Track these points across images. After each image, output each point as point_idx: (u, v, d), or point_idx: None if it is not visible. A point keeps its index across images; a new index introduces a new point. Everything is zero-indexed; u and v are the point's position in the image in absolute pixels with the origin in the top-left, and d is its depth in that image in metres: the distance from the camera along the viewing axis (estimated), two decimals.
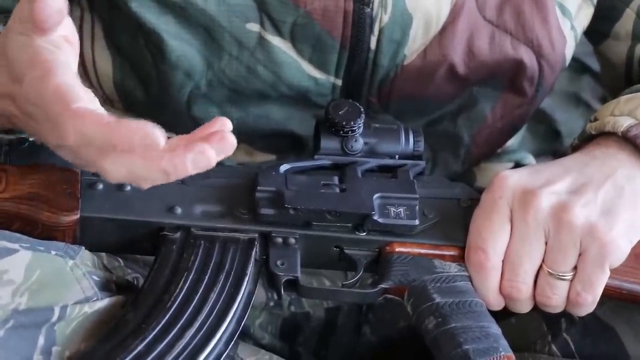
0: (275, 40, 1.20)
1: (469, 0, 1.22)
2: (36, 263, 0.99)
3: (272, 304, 1.09)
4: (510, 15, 1.24)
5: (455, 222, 1.11)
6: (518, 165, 1.15)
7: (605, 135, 1.14)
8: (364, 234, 1.09)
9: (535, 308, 1.10)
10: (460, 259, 1.10)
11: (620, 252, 1.07)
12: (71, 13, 1.13)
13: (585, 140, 1.17)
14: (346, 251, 1.09)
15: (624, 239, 1.07)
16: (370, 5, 1.19)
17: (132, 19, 1.19)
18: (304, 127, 1.21)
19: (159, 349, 0.97)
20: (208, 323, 1.00)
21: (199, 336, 1.00)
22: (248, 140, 1.23)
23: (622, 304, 1.13)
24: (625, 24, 1.31)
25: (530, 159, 1.34)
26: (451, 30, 1.22)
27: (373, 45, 1.20)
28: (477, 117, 1.28)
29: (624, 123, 1.12)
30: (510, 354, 1.03)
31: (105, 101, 1.25)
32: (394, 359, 1.28)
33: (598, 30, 1.33)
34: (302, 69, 1.20)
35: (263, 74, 1.20)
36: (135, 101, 1.14)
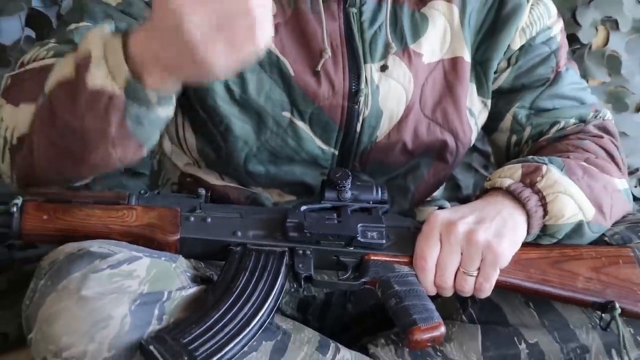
0: (299, 123, 1.19)
1: (416, 103, 1.23)
2: (153, 265, 1.00)
3: (293, 290, 1.10)
4: (440, 114, 1.25)
5: (407, 242, 1.13)
6: (440, 208, 1.15)
7: (495, 189, 1.15)
8: (352, 248, 1.11)
9: (454, 293, 1.11)
10: (410, 264, 1.11)
11: (505, 259, 1.09)
12: None
13: (483, 192, 1.17)
14: (341, 259, 1.11)
15: (508, 251, 1.09)
16: (358, 104, 1.19)
17: (209, 111, 1.19)
18: (315, 180, 1.21)
19: (227, 317, 0.99)
20: (257, 302, 1.02)
21: (252, 310, 1.01)
22: (280, 187, 1.22)
23: (505, 290, 1.14)
24: (506, 122, 1.31)
25: (447, 204, 1.36)
26: (405, 122, 1.23)
27: (358, 129, 1.21)
28: (418, 176, 1.29)
29: (507, 182, 1.13)
30: (440, 320, 1.06)
31: (193, 162, 1.26)
32: (366, 324, 1.29)
33: (490, 126, 1.33)
34: (315, 143, 1.21)
35: (291, 144, 1.19)
36: (210, 161, 1.14)
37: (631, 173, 2.09)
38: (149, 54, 0.88)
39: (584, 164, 1.18)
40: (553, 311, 1.19)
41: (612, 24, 1.98)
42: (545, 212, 1.12)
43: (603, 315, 1.13)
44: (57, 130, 0.96)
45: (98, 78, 0.89)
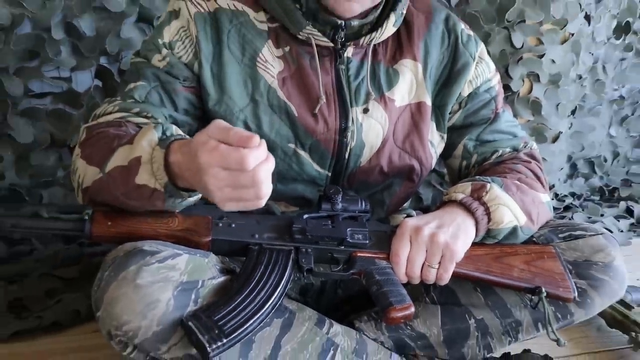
0: (301, 152, 1.17)
1: (390, 137, 1.21)
2: (190, 260, 0.99)
3: (296, 279, 1.07)
4: (408, 145, 1.24)
5: (384, 242, 1.12)
6: (409, 215, 1.14)
7: (451, 202, 1.15)
8: (343, 247, 1.10)
9: (420, 281, 1.10)
10: (387, 259, 1.10)
11: (459, 255, 1.09)
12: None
13: (441, 204, 1.17)
14: (334, 255, 1.10)
15: (461, 249, 1.09)
16: (346, 138, 1.18)
17: None
18: (313, 195, 1.19)
19: (249, 299, 0.99)
20: (270, 289, 1.01)
21: (266, 295, 1.00)
22: (286, 200, 1.20)
23: (459, 279, 1.14)
24: (458, 151, 1.31)
25: (413, 212, 1.34)
26: (382, 151, 1.21)
27: (346, 156, 1.19)
28: (392, 192, 1.27)
29: (460, 196, 1.13)
30: (411, 302, 1.06)
31: None
32: (352, 305, 1.27)
33: (446, 154, 1.32)
34: (313, 167, 1.19)
35: (295, 168, 1.18)
36: None
37: (549, 189, 2.09)
38: (180, 173, 0.91)
39: (517, 182, 1.18)
40: (495, 295, 1.20)
41: (534, 77, 1.98)
42: (489, 219, 1.12)
43: (532, 297, 1.13)
44: (113, 198, 0.99)
45: (144, 178, 0.92)
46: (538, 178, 1.25)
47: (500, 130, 1.30)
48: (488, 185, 1.14)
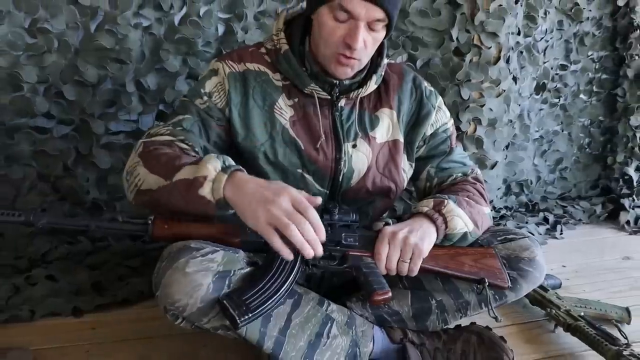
0: (308, 176, 1.16)
1: (373, 165, 1.20)
2: (225, 255, 0.98)
3: (303, 270, 1.04)
4: (387, 171, 1.22)
5: (370, 244, 1.09)
6: (387, 223, 1.12)
7: (418, 213, 1.13)
8: (339, 247, 1.08)
9: (396, 273, 1.08)
10: (371, 257, 1.08)
11: (425, 254, 1.07)
12: None
13: (411, 215, 1.15)
14: (332, 253, 1.08)
15: (426, 249, 1.08)
16: (340, 166, 1.17)
17: (256, 168, 1.15)
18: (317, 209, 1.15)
19: (269, 284, 0.97)
20: (285, 276, 0.99)
21: (282, 280, 0.99)
22: None
23: (425, 272, 1.11)
24: (423, 176, 1.29)
25: (390, 221, 1.28)
26: (367, 175, 1.20)
27: (340, 179, 1.18)
28: (375, 206, 1.25)
29: (425, 209, 1.12)
30: (389, 289, 1.05)
31: None
32: (345, 289, 1.23)
33: (414, 177, 1.30)
34: (315, 187, 1.17)
35: (302, 187, 1.13)
36: None
37: (489, 202, 2.08)
38: (230, 197, 0.94)
39: (467, 198, 1.17)
40: (451, 283, 1.18)
41: (477, 121, 1.97)
42: (447, 227, 1.11)
43: (478, 285, 1.12)
44: (171, 200, 0.98)
45: (205, 191, 0.94)
46: (482, 195, 1.23)
47: (454, 160, 1.28)
48: (446, 201, 1.13)
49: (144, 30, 1.59)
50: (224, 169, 0.95)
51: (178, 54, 1.64)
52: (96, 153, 1.63)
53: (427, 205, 1.14)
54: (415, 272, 1.08)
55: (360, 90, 1.17)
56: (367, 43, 1.07)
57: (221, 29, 1.67)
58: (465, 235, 1.14)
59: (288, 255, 0.93)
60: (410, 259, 1.07)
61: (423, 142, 1.26)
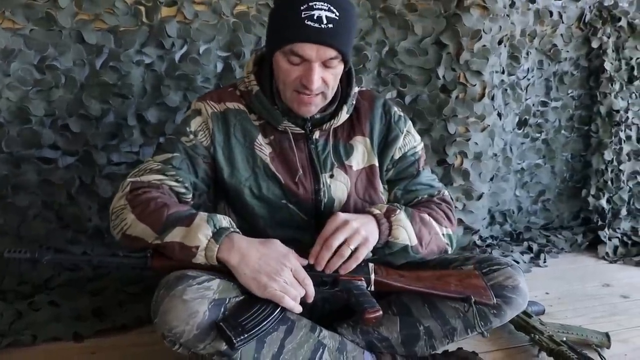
0: (291, 206, 1.18)
1: (352, 192, 1.21)
2: (221, 283, 0.99)
3: None
4: (367, 195, 1.22)
5: (359, 270, 1.09)
6: None
7: (368, 213, 1.12)
8: (330, 273, 1.08)
9: (383, 297, 1.08)
10: (361, 281, 1.09)
11: (369, 248, 1.08)
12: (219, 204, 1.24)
13: (363, 212, 1.14)
14: (324, 279, 1.08)
15: (372, 245, 1.08)
16: (320, 196, 1.18)
17: (243, 203, 1.17)
18: (303, 237, 1.15)
19: (262, 308, 0.98)
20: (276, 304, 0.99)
21: (273, 307, 0.99)
22: (283, 241, 1.09)
23: (413, 294, 1.14)
24: (390, 197, 1.27)
25: None
26: (348, 202, 1.20)
27: (322, 208, 1.19)
28: None
29: (376, 212, 1.13)
30: (379, 307, 1.06)
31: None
32: (336, 316, 1.22)
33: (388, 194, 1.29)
34: (301, 216, 1.18)
35: (287, 217, 1.17)
36: (244, 230, 1.04)
37: (475, 233, 2.09)
38: (224, 258, 0.98)
39: (424, 215, 1.17)
40: (438, 310, 1.17)
41: (464, 154, 1.98)
42: (390, 234, 1.11)
43: (465, 304, 1.12)
44: (166, 254, 1.01)
45: (199, 259, 0.98)
46: (446, 215, 1.23)
47: (420, 182, 1.27)
48: (397, 211, 1.13)
49: (145, 67, 1.62)
50: (215, 235, 0.97)
51: (178, 89, 1.66)
52: (99, 182, 1.64)
53: (379, 209, 1.13)
54: (354, 265, 1.06)
55: (332, 121, 1.17)
56: (327, 79, 1.08)
57: (220, 66, 1.70)
58: (405, 248, 1.12)
59: (300, 308, 0.99)
60: (357, 248, 1.05)
61: (392, 165, 1.26)
